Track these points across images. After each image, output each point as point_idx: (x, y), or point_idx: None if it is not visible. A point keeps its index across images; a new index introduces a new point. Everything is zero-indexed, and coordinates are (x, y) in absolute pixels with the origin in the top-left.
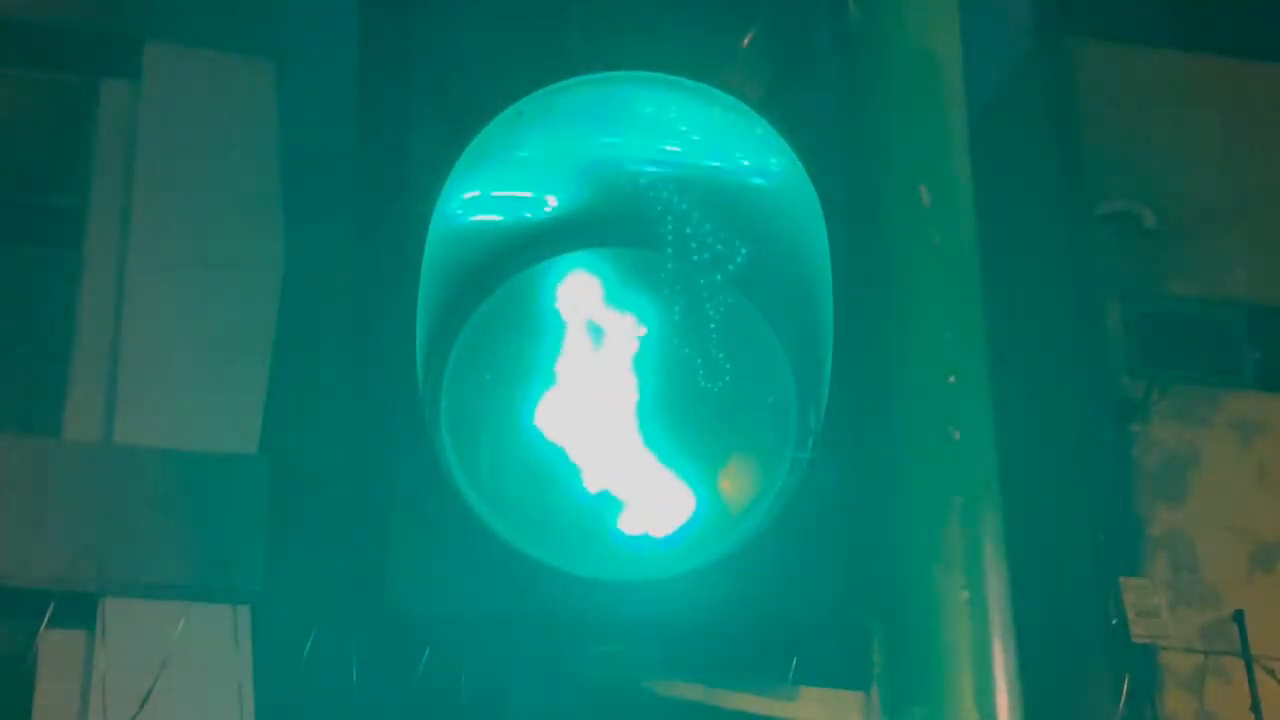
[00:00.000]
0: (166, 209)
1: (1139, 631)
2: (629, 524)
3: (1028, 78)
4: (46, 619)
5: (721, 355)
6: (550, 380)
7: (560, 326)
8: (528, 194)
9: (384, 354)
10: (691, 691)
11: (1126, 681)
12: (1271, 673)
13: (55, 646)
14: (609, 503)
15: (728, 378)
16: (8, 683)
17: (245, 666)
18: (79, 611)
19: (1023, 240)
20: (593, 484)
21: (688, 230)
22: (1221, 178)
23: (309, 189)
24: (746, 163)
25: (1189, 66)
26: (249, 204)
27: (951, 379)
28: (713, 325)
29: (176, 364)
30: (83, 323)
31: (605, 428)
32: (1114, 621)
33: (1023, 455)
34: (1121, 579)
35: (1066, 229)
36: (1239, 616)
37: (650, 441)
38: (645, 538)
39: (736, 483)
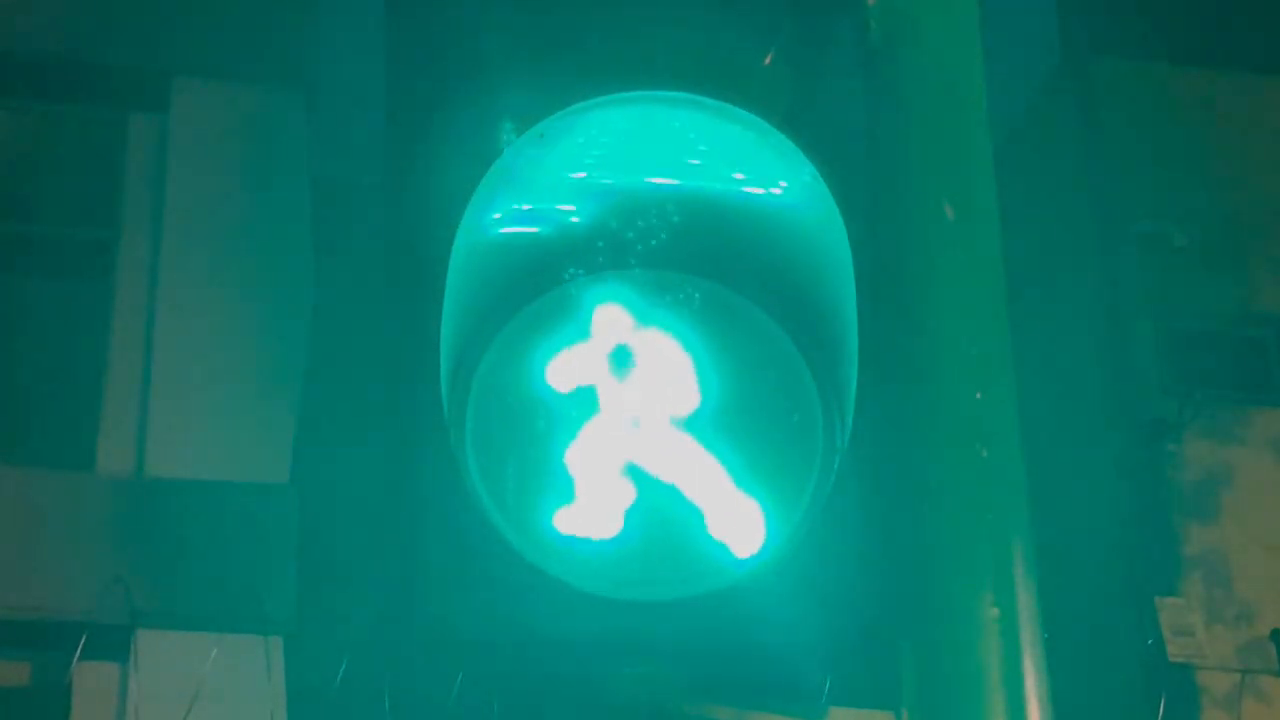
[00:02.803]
0: (196, 241)
1: (1175, 651)
2: (658, 544)
3: (1055, 97)
4: (80, 651)
5: (746, 374)
6: (575, 401)
7: (585, 346)
8: (550, 215)
9: (408, 379)
10: (722, 713)
11: (1163, 702)
12: None
13: (89, 678)
14: (635, 525)
15: (752, 397)
16: (43, 715)
17: (278, 696)
18: (112, 643)
19: (1053, 260)
20: (620, 505)
21: (708, 248)
22: (1250, 195)
23: (339, 220)
24: (769, 181)
25: (1216, 84)
26: (278, 236)
27: (978, 395)
28: (737, 345)
29: (207, 395)
30: (114, 356)
31: (630, 449)
32: (1150, 641)
33: (1056, 475)
34: (1157, 599)
35: (1096, 248)
36: (1276, 635)
37: (678, 462)
38: (674, 557)
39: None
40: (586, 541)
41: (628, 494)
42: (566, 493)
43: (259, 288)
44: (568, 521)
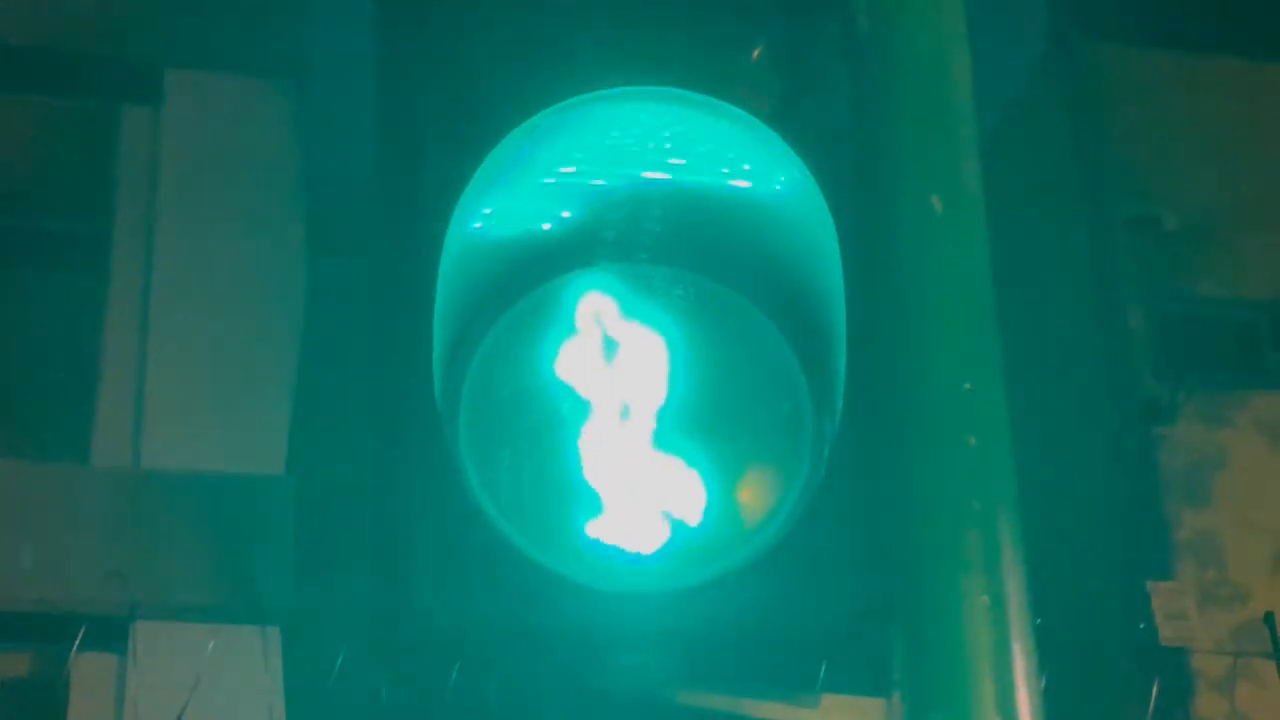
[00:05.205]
0: (190, 233)
1: (1168, 635)
2: (651, 535)
3: (1045, 82)
4: (78, 643)
5: (736, 367)
6: (568, 394)
7: (577, 341)
8: (541, 210)
9: (401, 372)
10: (716, 701)
11: (1156, 685)
12: None
13: (87, 670)
14: (628, 515)
15: (743, 389)
16: (41, 707)
17: (276, 687)
18: (110, 635)
19: (1044, 245)
20: (611, 497)
21: (698, 242)
22: (1241, 178)
23: (331, 210)
24: (757, 175)
25: (1206, 68)
26: (272, 226)
27: (967, 386)
28: (727, 338)
29: (202, 387)
30: (108, 348)
31: (623, 440)
32: (1142, 625)
33: (1049, 460)
34: (1150, 583)
35: (1087, 233)
36: (1269, 618)
37: (669, 453)
38: (665, 549)
39: (754, 493)
40: (583, 533)
41: (624, 482)
42: (580, 495)
43: (253, 279)
44: (601, 531)
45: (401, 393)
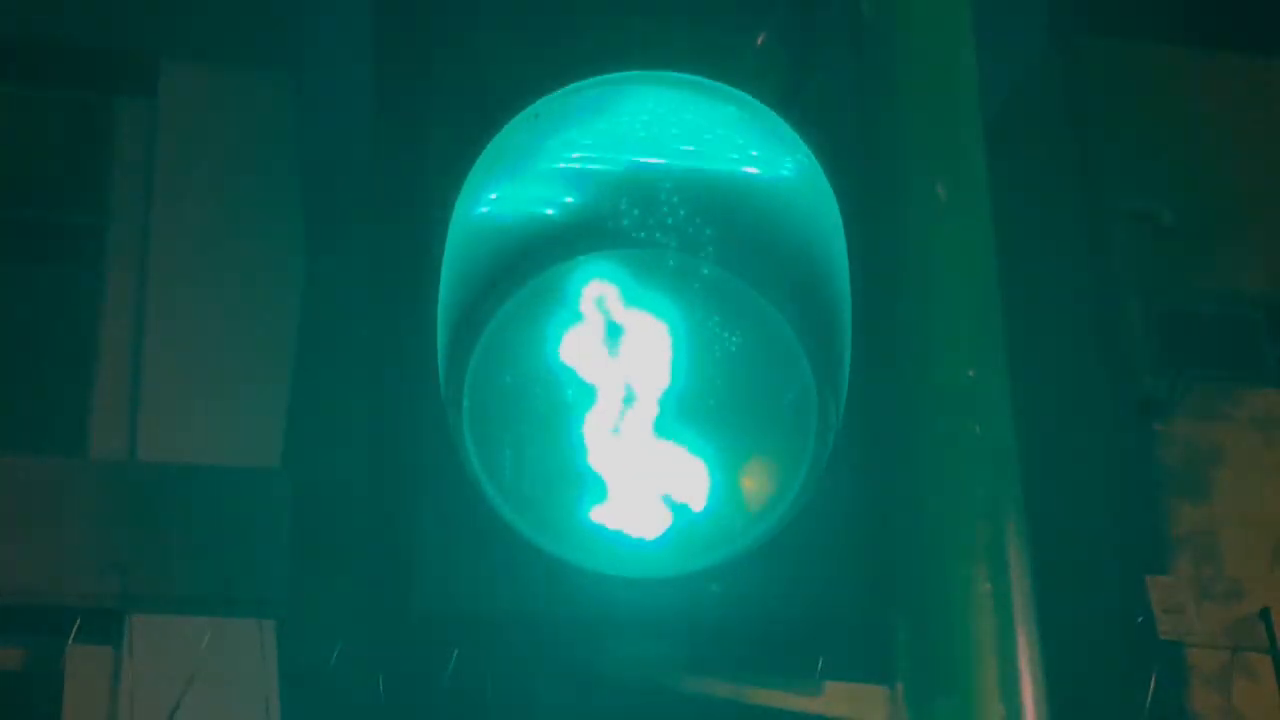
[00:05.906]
0: (186, 224)
1: (1165, 629)
2: (653, 521)
3: (1044, 77)
4: (74, 635)
5: (741, 353)
6: (571, 380)
7: (580, 327)
8: (546, 196)
9: (406, 358)
10: (718, 688)
11: (1153, 678)
12: None
13: (83, 662)
14: (631, 500)
15: (747, 376)
16: (37, 698)
17: (272, 679)
18: (106, 627)
19: (1042, 240)
20: (615, 482)
21: (704, 228)
22: (1239, 175)
23: (328, 201)
24: (763, 161)
25: (1206, 63)
26: (268, 218)
27: (971, 373)
28: (731, 324)
29: (198, 380)
30: (104, 341)
31: (627, 426)
32: (1139, 619)
33: (1047, 455)
34: (1148, 577)
35: (1086, 228)
36: (1265, 614)
37: (672, 440)
38: (669, 535)
39: (758, 480)
40: (586, 518)
41: (627, 468)
42: (584, 480)
43: (250, 271)
44: (604, 516)
45: (405, 380)
